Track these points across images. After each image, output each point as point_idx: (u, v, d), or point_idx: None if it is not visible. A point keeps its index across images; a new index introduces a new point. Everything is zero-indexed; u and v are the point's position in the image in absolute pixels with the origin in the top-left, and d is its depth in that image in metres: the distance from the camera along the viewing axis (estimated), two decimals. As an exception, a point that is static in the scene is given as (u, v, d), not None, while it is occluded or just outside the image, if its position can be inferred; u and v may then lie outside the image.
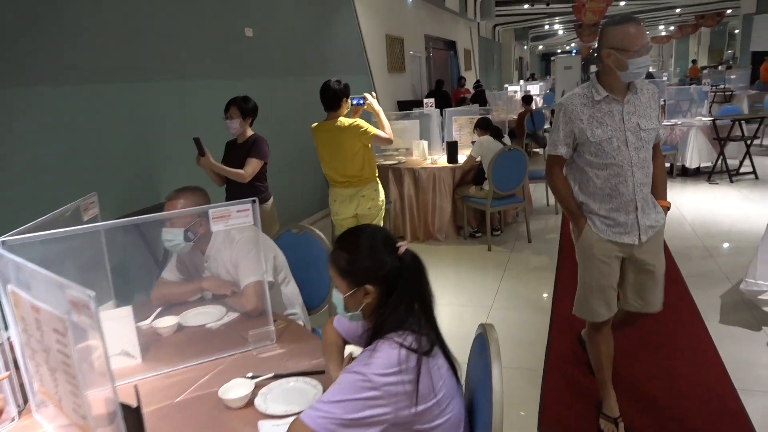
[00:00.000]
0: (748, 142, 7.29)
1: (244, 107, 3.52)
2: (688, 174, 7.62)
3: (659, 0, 17.72)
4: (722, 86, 12.97)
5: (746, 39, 17.68)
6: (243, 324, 2.08)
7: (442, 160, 5.66)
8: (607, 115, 2.22)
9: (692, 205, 6.19)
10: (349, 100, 3.54)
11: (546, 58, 39.09)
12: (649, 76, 10.60)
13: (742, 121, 7.43)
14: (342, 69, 7.41)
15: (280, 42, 5.83)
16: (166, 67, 4.23)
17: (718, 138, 7.16)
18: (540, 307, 3.84)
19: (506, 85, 18.32)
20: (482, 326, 1.48)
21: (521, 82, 19.58)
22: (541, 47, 36.47)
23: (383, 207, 3.78)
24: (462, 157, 5.47)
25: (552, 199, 6.41)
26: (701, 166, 7.44)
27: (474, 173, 5.36)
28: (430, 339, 1.35)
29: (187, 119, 4.41)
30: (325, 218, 6.23)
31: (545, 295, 4.05)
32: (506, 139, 5.27)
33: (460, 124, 6.05)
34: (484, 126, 5.33)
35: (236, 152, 3.57)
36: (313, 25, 6.60)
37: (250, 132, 3.61)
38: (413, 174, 5.46)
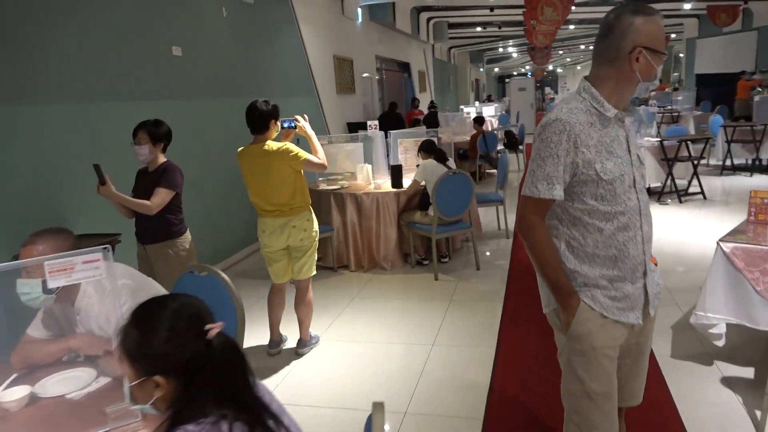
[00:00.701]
0: (695, 162, 7.33)
1: (154, 132, 3.19)
2: (638, 194, 7.59)
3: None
4: (669, 107, 13.27)
5: (690, 62, 18.30)
6: (115, 392, 1.73)
7: (386, 184, 5.41)
8: (615, 142, 1.62)
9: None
10: (278, 123, 3.34)
11: (502, 80, 39.85)
12: None
13: (689, 142, 7.48)
14: (285, 90, 7.13)
15: (211, 62, 5.51)
16: (71, 88, 3.85)
17: (666, 159, 7.16)
18: (484, 344, 3.57)
19: (461, 107, 18.42)
20: (374, 406, 1.19)
21: (476, 103, 19.73)
22: (497, 69, 37.13)
23: (317, 238, 3.53)
24: (407, 182, 5.23)
25: (504, 222, 6.23)
26: (651, 186, 7.42)
27: (419, 198, 5.12)
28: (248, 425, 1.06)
29: (100, 145, 4.03)
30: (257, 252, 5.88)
31: (491, 328, 3.79)
32: (451, 163, 5.05)
33: (406, 147, 5.83)
34: (428, 149, 5.11)
35: (146, 181, 3.22)
36: (250, 45, 6.31)
37: (162, 159, 3.26)
38: (356, 199, 5.18)
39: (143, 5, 4.57)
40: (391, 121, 10.17)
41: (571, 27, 18.24)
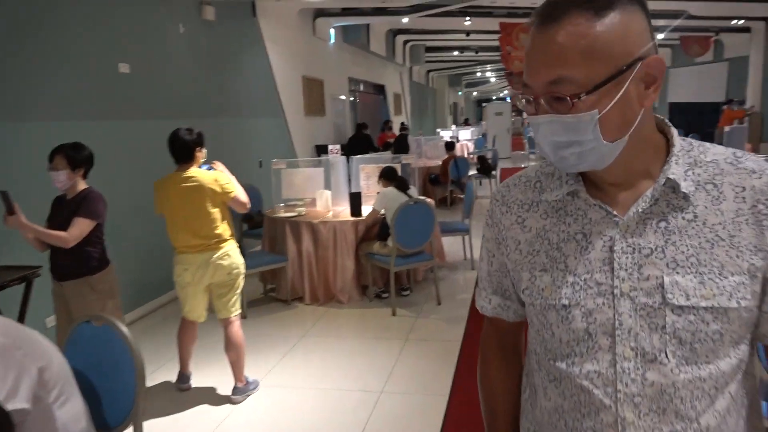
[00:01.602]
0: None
1: (73, 156, 2.90)
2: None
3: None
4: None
5: (663, 91, 18.56)
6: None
7: (346, 212, 5.15)
8: (570, 244, 0.91)
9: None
10: (203, 151, 3.23)
11: (480, 104, 40.16)
12: None
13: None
14: (250, 111, 6.88)
15: (166, 80, 5.24)
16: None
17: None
18: (438, 391, 3.29)
19: (438, 130, 18.35)
20: None
21: (453, 127, 19.71)
22: (475, 93, 37.42)
23: (243, 272, 3.31)
24: (367, 210, 4.98)
25: (470, 252, 6.00)
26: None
27: (378, 228, 4.87)
28: None
29: (22, 168, 3.71)
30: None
31: (445, 374, 3.52)
32: (413, 191, 4.82)
33: (368, 173, 5.59)
34: (388, 176, 4.88)
35: (63, 210, 2.92)
36: (211, 64, 6.06)
37: (82, 185, 2.97)
38: (312, 228, 4.91)
39: (88, 19, 4.29)
40: (361, 143, 9.97)
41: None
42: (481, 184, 12.41)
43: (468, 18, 11.13)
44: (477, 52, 16.56)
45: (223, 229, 3.17)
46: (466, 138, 18.49)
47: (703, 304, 0.81)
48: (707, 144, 0.91)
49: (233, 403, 3.27)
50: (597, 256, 0.87)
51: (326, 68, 9.70)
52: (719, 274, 0.82)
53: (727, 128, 10.18)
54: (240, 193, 3.20)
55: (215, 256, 3.14)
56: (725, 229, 0.83)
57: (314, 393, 3.37)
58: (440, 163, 9.87)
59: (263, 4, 7.25)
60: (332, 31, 10.04)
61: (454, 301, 4.87)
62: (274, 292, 5.22)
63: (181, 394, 3.41)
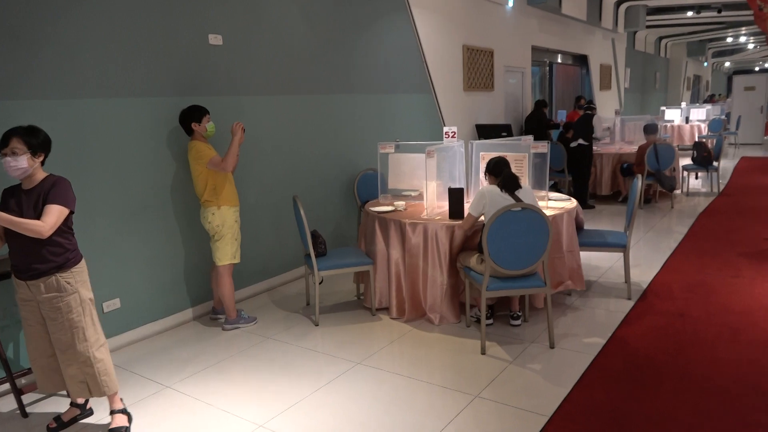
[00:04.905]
0: None
1: (31, 141, 2.52)
2: None
3: None
4: None
5: None
6: None
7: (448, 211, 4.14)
8: None
9: None
10: (206, 124, 3.83)
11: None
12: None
13: None
14: (388, 86, 6.17)
15: (262, 52, 4.79)
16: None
17: None
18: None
19: (663, 108, 15.41)
20: None
21: (683, 104, 16.41)
22: (728, 64, 31.12)
23: (226, 234, 3.89)
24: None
25: (627, 274, 4.47)
26: None
27: (480, 236, 3.78)
28: None
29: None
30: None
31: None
32: (525, 192, 3.60)
33: (491, 163, 4.45)
34: (495, 171, 3.74)
35: (22, 202, 2.56)
36: (330, 33, 5.47)
37: (42, 174, 2.59)
38: (400, 229, 4.04)
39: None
40: (533, 124, 8.57)
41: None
42: (697, 177, 9.90)
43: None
44: (720, 12, 13.30)
45: (208, 192, 3.81)
46: (699, 118, 15.22)
47: None
48: None
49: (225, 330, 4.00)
50: None
51: (499, 36, 8.46)
52: None
53: None
54: (228, 157, 3.76)
55: (202, 211, 3.93)
56: None
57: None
58: (634, 149, 7.99)
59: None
60: (513, -7, 8.72)
61: (579, 345, 3.56)
62: (361, 297, 4.52)
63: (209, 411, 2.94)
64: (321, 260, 4.06)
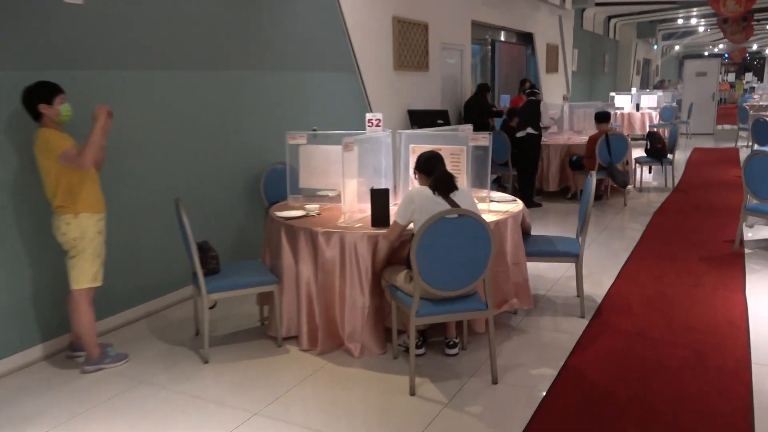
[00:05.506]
0: None
1: None
2: None
3: None
4: None
5: None
6: None
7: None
8: None
9: None
10: (57, 107, 3.31)
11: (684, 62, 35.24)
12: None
13: None
14: (304, 63, 5.75)
15: (145, 18, 4.27)
16: None
17: None
18: None
19: (612, 94, 15.80)
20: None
21: (633, 90, 16.93)
22: (678, 48, 32.70)
23: (84, 250, 3.43)
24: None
25: (581, 287, 4.31)
26: None
27: (408, 249, 3.46)
28: None
29: None
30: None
31: None
32: (462, 195, 3.30)
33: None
34: (426, 168, 3.43)
35: None
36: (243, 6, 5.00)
37: None
38: (311, 239, 3.65)
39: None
40: (475, 110, 8.40)
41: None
42: (650, 171, 10.10)
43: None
44: (672, -10, 13.73)
45: (60, 195, 3.33)
46: (650, 105, 15.69)
47: None
48: None
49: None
50: None
51: (435, 8, 8.22)
52: None
53: None
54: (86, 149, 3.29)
55: (54, 220, 3.43)
56: None
57: None
58: (584, 140, 7.98)
59: None
60: (451, -40, 8.50)
61: (523, 378, 3.32)
62: (265, 324, 4.11)
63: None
64: (212, 279, 3.61)
